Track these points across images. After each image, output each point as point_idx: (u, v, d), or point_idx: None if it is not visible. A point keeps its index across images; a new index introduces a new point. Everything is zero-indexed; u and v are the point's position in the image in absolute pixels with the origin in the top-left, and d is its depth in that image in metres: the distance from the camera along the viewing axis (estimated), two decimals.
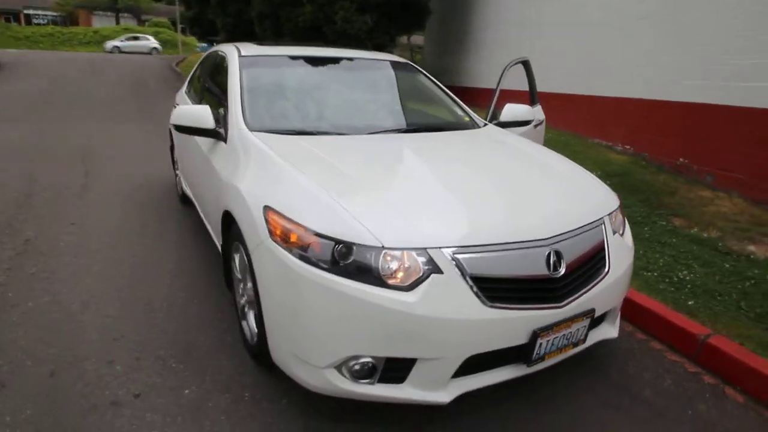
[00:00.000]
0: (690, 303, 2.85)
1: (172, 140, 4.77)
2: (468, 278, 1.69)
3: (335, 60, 3.28)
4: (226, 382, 2.16)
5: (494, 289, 1.72)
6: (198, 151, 3.01)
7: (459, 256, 1.71)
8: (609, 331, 2.17)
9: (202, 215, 3.42)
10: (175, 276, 3.14)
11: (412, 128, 2.82)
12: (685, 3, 5.22)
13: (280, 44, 3.51)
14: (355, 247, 1.68)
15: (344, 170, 2.08)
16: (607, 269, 2.03)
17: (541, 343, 1.80)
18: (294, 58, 3.22)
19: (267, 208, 1.89)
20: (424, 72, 3.56)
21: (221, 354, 2.35)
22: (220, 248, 2.59)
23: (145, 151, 6.57)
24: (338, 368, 1.73)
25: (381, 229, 1.71)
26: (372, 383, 1.74)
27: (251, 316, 2.25)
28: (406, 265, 1.68)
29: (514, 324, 1.74)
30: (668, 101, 5.37)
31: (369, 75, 3.31)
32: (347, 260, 1.68)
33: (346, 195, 1.87)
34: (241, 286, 2.35)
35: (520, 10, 9.00)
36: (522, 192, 2.12)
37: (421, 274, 1.67)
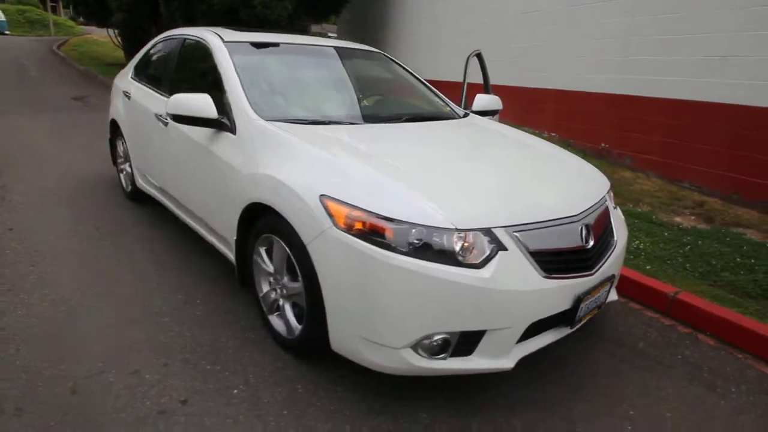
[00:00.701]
0: (648, 267, 3.30)
1: (112, 133, 4.37)
2: (528, 253, 1.85)
3: (319, 48, 3.24)
4: (271, 377, 2.12)
5: (547, 262, 1.90)
6: (185, 143, 2.83)
7: (518, 234, 1.86)
8: (613, 294, 2.47)
9: (180, 211, 3.22)
10: (161, 276, 2.94)
11: (410, 118, 2.91)
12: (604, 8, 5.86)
13: (251, 31, 3.37)
14: (429, 230, 1.75)
15: (383, 158, 2.12)
16: (615, 239, 2.32)
17: (581, 307, 2.02)
18: (277, 45, 3.13)
19: (324, 197, 1.88)
20: (399, 62, 3.65)
21: (251, 352, 2.29)
22: (233, 243, 2.49)
23: (51, 145, 5.92)
24: (414, 347, 1.80)
25: (450, 212, 1.80)
26: (445, 358, 1.84)
27: (288, 309, 2.22)
28: (476, 245, 1.79)
29: (563, 292, 1.94)
30: (589, 92, 6.00)
31: (355, 64, 3.33)
32: (422, 243, 1.75)
33: (403, 180, 1.93)
34: (270, 280, 2.30)
35: (435, 3, 9.36)
36: (543, 174, 2.33)
37: (489, 252, 1.80)
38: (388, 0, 11.41)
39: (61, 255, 3.14)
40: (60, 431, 1.77)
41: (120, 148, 4.26)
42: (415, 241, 1.75)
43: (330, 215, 1.85)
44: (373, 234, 1.78)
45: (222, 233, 2.63)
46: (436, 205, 1.82)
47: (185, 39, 3.32)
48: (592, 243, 2.09)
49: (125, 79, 4.09)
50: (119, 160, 4.38)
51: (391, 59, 3.63)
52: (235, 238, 2.46)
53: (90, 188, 4.49)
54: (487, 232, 1.82)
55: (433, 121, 2.94)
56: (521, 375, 2.20)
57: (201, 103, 2.47)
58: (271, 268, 2.27)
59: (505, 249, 1.82)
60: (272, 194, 2.09)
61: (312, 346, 2.13)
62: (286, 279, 2.19)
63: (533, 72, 6.81)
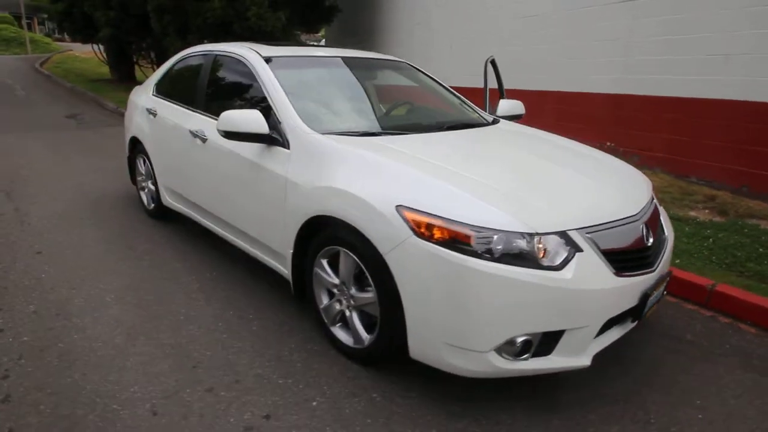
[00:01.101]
0: (677, 261, 3.40)
1: (131, 151, 4.34)
2: (600, 253, 1.92)
3: (351, 60, 3.28)
4: (345, 388, 2.14)
5: (617, 261, 1.96)
6: (229, 159, 2.84)
7: (590, 235, 1.92)
8: (662, 290, 2.56)
9: (218, 226, 3.21)
10: (207, 293, 2.93)
11: (450, 126, 2.95)
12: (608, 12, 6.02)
13: (281, 45, 3.40)
14: (510, 235, 1.80)
15: (447, 167, 2.17)
16: (666, 236, 2.41)
17: (648, 303, 2.09)
18: (313, 58, 3.17)
19: (401, 207, 1.92)
20: (426, 72, 3.71)
21: (319, 363, 2.30)
22: (288, 256, 2.50)
23: (54, 166, 5.84)
24: (498, 350, 1.85)
25: (527, 217, 1.86)
26: (527, 359, 1.89)
27: (356, 319, 2.24)
28: (555, 247, 1.85)
29: (633, 288, 2.01)
30: (589, 93, 6.15)
31: (386, 74, 3.38)
32: (504, 248, 1.80)
33: (475, 188, 1.98)
34: (334, 291, 2.32)
35: (430, 9, 9.47)
36: (598, 176, 2.41)
37: (567, 254, 1.85)
38: (379, 7, 11.51)
39: (101, 276, 3.11)
40: None
41: (141, 167, 4.23)
42: (498, 247, 1.80)
43: (409, 225, 1.89)
44: (454, 242, 1.82)
45: (273, 247, 2.64)
46: (513, 211, 1.88)
47: (216, 55, 3.33)
48: (651, 240, 2.16)
49: (146, 96, 4.07)
50: (139, 178, 4.35)
51: (416, 68, 3.69)
52: (291, 251, 2.48)
53: (107, 207, 4.45)
54: (563, 234, 1.88)
55: (473, 128, 2.98)
56: (582, 372, 2.25)
57: (252, 120, 2.49)
58: (335, 280, 2.30)
59: (581, 250, 1.88)
60: (343, 207, 2.11)
61: (384, 354, 2.16)
62: (353, 290, 2.21)
63: (532, 75, 6.95)
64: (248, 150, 2.69)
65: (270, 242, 2.67)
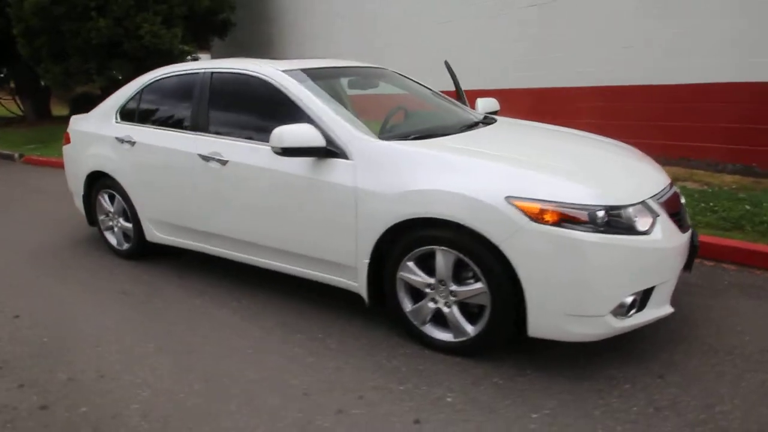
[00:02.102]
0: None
1: (89, 188, 3.87)
2: (668, 216, 2.25)
3: (359, 70, 3.32)
4: (465, 379, 2.21)
5: (677, 222, 2.32)
6: (265, 179, 2.74)
7: (658, 202, 2.25)
8: None
9: (241, 252, 3.04)
10: (254, 322, 2.78)
11: (469, 125, 3.08)
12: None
13: (295, 60, 3.29)
14: (611, 209, 2.06)
15: (520, 158, 2.36)
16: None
17: (695, 253, 2.48)
18: (326, 69, 3.15)
19: (511, 198, 2.07)
20: (407, 76, 3.84)
21: (421, 364, 2.33)
22: (363, 266, 2.49)
23: None
24: (613, 312, 2.08)
25: (615, 193, 2.14)
26: (632, 316, 2.15)
27: (457, 313, 2.32)
28: (642, 215, 2.14)
29: (687, 242, 2.38)
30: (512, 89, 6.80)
31: (399, 81, 3.49)
32: (608, 221, 2.04)
33: (562, 174, 2.20)
34: (427, 291, 2.37)
35: (332, 21, 9.59)
36: (627, 155, 2.77)
37: (652, 220, 2.15)
38: (275, 21, 11.34)
39: (123, 333, 2.75)
40: None
41: (106, 204, 3.79)
42: (604, 221, 2.04)
43: (523, 213, 2.04)
44: (566, 221, 2.02)
45: (338, 260, 2.60)
46: (603, 189, 2.14)
47: (213, 73, 3.13)
48: (683, 202, 2.57)
49: (108, 125, 3.66)
50: (102, 218, 3.89)
51: (401, 75, 3.80)
52: (367, 261, 2.48)
53: (76, 255, 3.92)
54: (644, 203, 2.17)
55: (487, 125, 3.16)
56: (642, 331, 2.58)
57: (309, 134, 2.45)
58: (429, 279, 2.35)
59: (658, 215, 2.19)
60: (445, 206, 2.18)
61: (492, 341, 2.28)
62: (454, 286, 2.30)
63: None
64: (293, 166, 2.62)
65: (333, 256, 2.62)
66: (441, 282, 2.32)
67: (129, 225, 3.68)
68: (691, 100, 5.46)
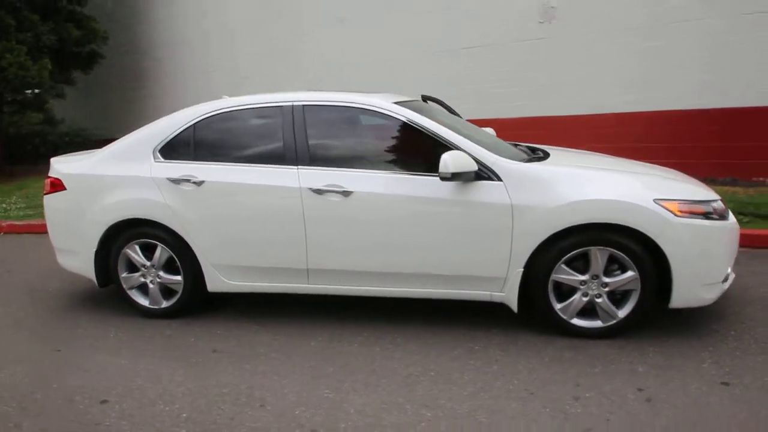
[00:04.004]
0: None
1: (102, 243, 3.30)
2: None
3: (417, 105, 3.56)
4: (635, 358, 2.64)
5: None
6: (401, 205, 2.87)
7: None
8: None
9: (366, 284, 3.02)
10: (384, 350, 2.82)
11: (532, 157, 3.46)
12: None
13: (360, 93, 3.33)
14: (715, 203, 2.78)
15: (627, 170, 2.99)
16: None
17: None
18: (409, 102, 3.30)
19: (658, 200, 2.64)
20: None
21: (581, 354, 2.69)
22: (515, 276, 2.76)
23: None
24: (723, 278, 2.78)
25: (705, 191, 2.89)
26: (728, 279, 2.87)
27: (607, 301, 2.75)
28: (722, 207, 2.90)
29: None
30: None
31: (447, 114, 3.80)
32: (719, 211, 2.76)
33: (670, 179, 2.87)
34: (579, 287, 2.77)
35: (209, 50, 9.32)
36: (662, 169, 3.57)
37: (724, 210, 2.93)
38: (148, 52, 10.46)
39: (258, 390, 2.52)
40: None
41: (138, 257, 3.26)
42: (719, 211, 2.75)
43: (669, 211, 2.63)
44: (695, 214, 2.67)
45: (489, 274, 2.84)
46: (703, 188, 2.89)
47: (305, 106, 3.07)
48: None
49: (141, 164, 3.20)
50: (127, 275, 3.32)
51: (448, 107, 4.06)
52: (521, 269, 2.78)
53: (99, 325, 3.24)
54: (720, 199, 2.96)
55: (537, 152, 3.63)
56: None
57: (465, 160, 2.71)
58: (582, 276, 2.76)
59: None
60: (606, 211, 2.64)
61: (636, 320, 2.78)
62: (605, 278, 2.74)
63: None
64: (436, 190, 2.80)
65: (481, 271, 2.84)
66: (594, 277, 2.75)
67: (176, 278, 3.25)
68: None
